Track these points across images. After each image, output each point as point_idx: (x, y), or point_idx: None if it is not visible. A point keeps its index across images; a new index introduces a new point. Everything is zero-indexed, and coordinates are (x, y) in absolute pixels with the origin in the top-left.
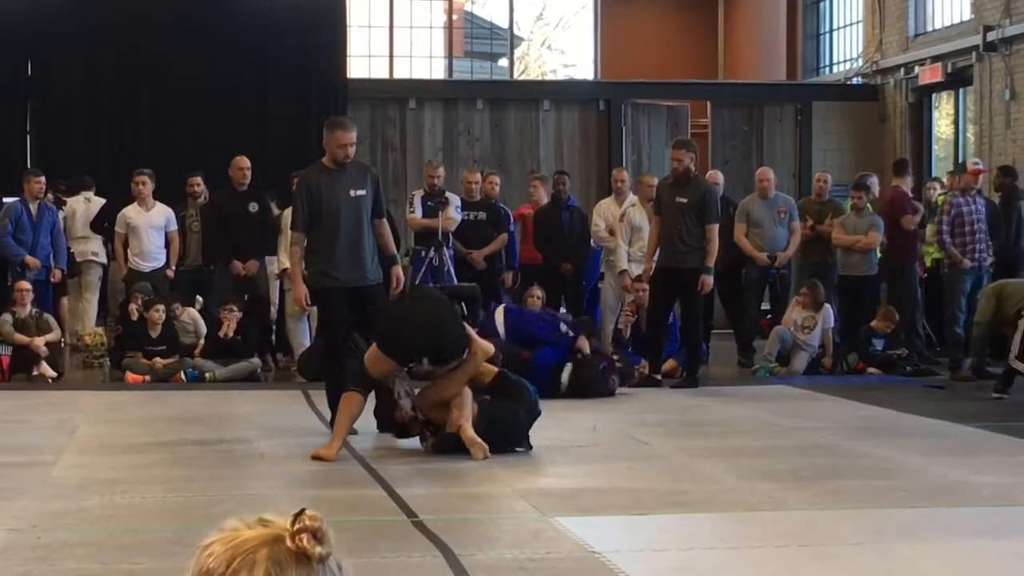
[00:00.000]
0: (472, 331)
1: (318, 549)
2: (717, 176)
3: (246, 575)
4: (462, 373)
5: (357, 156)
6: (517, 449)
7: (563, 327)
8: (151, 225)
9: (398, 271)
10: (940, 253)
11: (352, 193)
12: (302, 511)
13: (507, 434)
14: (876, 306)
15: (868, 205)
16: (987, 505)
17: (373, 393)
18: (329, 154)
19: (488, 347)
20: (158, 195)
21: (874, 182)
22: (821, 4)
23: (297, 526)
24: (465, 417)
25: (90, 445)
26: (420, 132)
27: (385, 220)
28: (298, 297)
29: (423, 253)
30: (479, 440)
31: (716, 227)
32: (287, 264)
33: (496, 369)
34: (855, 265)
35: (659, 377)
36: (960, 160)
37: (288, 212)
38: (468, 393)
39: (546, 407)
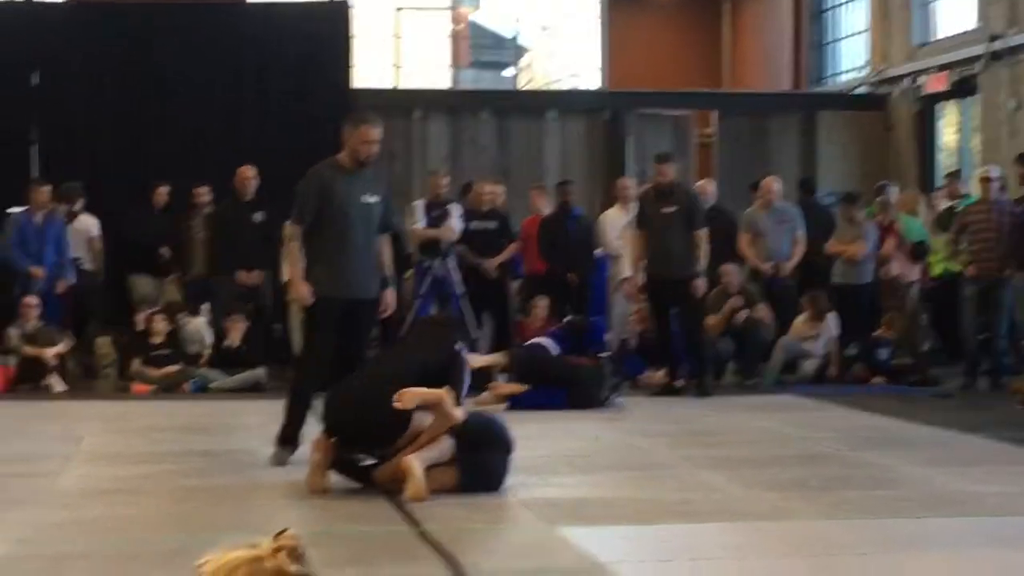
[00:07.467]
0: (446, 393)
1: (293, 567)
2: (708, 186)
3: None
4: (427, 434)
5: None
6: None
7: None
8: None
9: (389, 295)
10: (948, 263)
11: (365, 199)
12: (282, 531)
13: (489, 483)
14: (867, 314)
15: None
16: (991, 515)
17: None
18: (349, 152)
19: (456, 417)
20: (170, 205)
21: (893, 191)
22: (826, 13)
23: (276, 545)
24: (421, 457)
25: (95, 455)
26: (426, 142)
27: (389, 237)
28: (302, 295)
29: (426, 264)
30: (421, 480)
31: (704, 232)
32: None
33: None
34: (847, 274)
35: (678, 385)
36: (964, 170)
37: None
38: (447, 443)
39: (553, 417)
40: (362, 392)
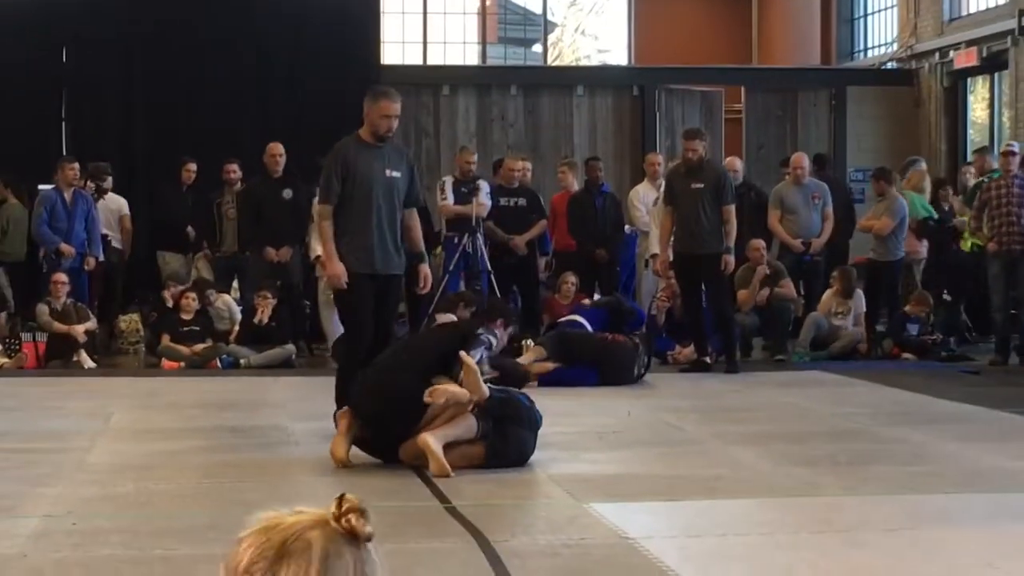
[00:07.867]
0: (472, 363)
1: (367, 528)
2: (736, 163)
3: (301, 557)
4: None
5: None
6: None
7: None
8: None
9: (426, 269)
10: (974, 238)
11: (388, 173)
12: (343, 495)
13: (515, 458)
14: (898, 290)
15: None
16: (1021, 491)
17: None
18: (369, 126)
19: (482, 391)
20: (197, 182)
21: (922, 166)
22: None
23: (345, 507)
24: (439, 434)
25: (125, 431)
26: (454, 118)
27: (416, 211)
28: (337, 275)
29: (456, 240)
30: (440, 456)
31: (733, 208)
32: (320, 251)
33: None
34: (875, 250)
35: (708, 360)
36: (994, 144)
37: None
38: (470, 421)
39: (583, 393)
40: (386, 383)
